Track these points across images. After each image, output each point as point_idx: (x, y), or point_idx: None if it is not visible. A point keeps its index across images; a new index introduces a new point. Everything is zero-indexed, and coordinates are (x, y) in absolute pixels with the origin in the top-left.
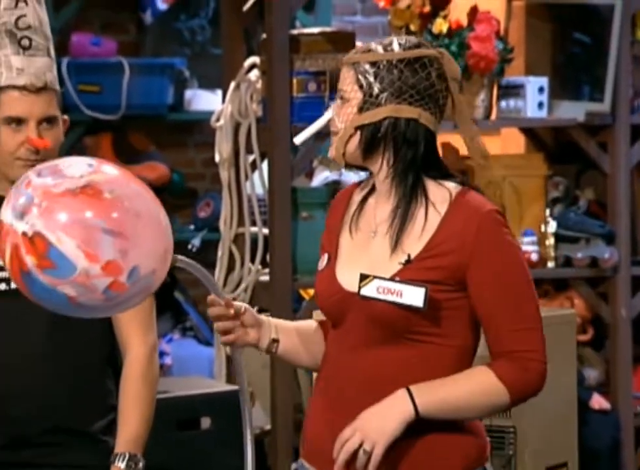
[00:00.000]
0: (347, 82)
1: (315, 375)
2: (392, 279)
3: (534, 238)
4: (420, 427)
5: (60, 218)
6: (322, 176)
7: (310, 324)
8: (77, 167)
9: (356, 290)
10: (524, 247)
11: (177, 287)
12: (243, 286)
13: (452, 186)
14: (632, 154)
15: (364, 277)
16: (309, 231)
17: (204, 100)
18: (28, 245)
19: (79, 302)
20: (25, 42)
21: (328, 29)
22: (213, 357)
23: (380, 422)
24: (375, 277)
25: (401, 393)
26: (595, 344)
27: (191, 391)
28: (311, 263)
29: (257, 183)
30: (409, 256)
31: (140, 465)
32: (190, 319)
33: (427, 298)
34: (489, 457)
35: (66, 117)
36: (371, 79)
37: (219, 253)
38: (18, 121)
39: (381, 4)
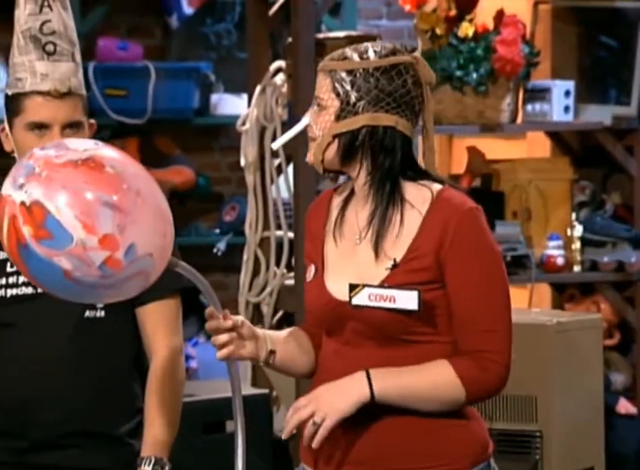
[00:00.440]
0: (324, 90)
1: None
2: (381, 285)
3: (560, 242)
4: (426, 422)
5: (60, 187)
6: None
7: (298, 332)
8: (82, 142)
9: (347, 299)
10: (550, 252)
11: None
12: (268, 290)
13: (433, 185)
14: None
15: (353, 287)
16: None
17: (230, 104)
18: (25, 214)
19: (74, 277)
20: (50, 48)
21: (353, 33)
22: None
23: (335, 398)
24: (365, 285)
25: (360, 375)
26: (622, 349)
27: (217, 395)
28: None
29: (283, 187)
30: (394, 260)
31: (167, 468)
32: None
33: (421, 300)
34: (491, 454)
35: (92, 121)
36: (348, 87)
37: (245, 257)
38: (42, 127)
39: (407, 7)
